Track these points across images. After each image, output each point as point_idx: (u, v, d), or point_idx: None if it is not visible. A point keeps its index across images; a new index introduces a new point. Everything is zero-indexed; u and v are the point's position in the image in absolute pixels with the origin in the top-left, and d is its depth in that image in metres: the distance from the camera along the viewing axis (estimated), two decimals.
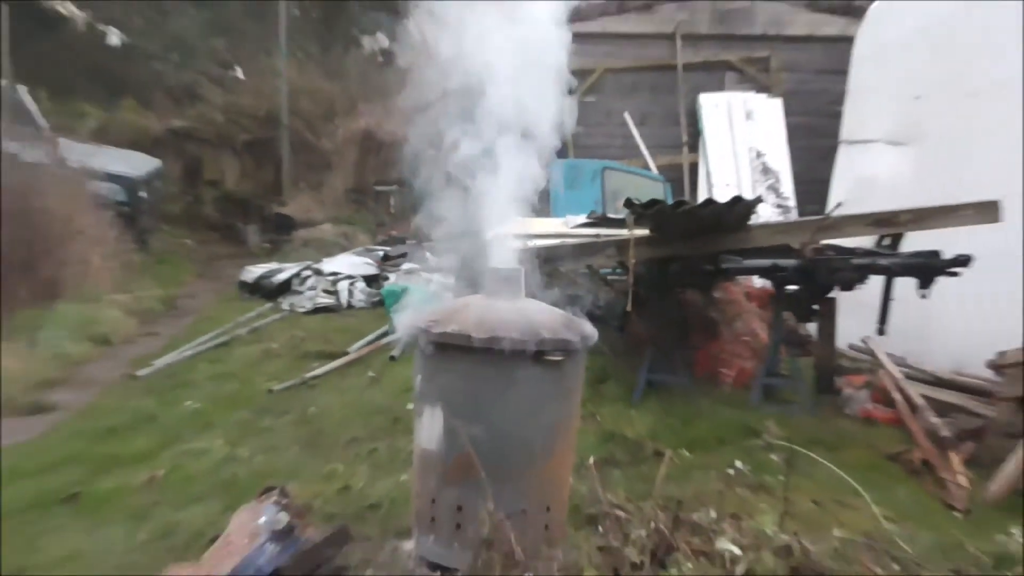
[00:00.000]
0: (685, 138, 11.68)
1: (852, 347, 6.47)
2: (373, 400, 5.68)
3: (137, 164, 11.12)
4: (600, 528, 2.67)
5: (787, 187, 10.97)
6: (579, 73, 11.72)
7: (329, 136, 13.95)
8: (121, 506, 3.96)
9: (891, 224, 5.76)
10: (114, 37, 12.23)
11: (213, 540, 3.23)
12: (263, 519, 3.14)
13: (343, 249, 11.07)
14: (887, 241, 5.86)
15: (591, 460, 3.66)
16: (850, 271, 5.52)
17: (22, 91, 10.34)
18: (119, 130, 12.99)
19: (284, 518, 3.14)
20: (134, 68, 14.18)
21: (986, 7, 6.31)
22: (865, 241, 6.01)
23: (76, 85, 13.60)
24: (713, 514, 2.30)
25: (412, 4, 3.94)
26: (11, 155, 7.79)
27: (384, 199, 13.51)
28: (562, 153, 11.21)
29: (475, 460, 2.92)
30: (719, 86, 11.76)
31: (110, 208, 9.07)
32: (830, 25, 11.90)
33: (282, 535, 3.11)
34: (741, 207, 5.72)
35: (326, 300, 8.99)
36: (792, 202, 10.82)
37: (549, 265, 5.65)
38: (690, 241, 5.73)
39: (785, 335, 6.07)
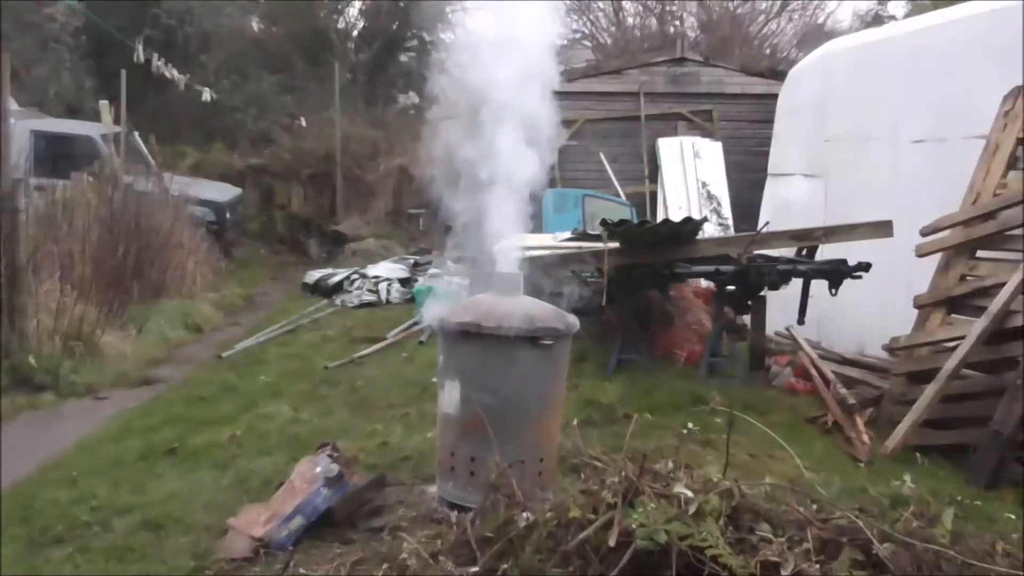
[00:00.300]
0: (647, 172, 11.66)
1: (778, 334, 6.43)
2: (406, 375, 5.66)
3: (224, 192, 11.11)
4: (582, 475, 2.63)
5: (726, 210, 10.93)
6: (565, 122, 11.69)
7: (373, 171, 13.95)
8: (209, 458, 3.93)
9: (807, 238, 5.76)
10: (207, 95, 12.24)
11: (280, 485, 3.19)
12: (319, 468, 3.10)
13: (383, 258, 11.05)
14: (804, 252, 5.84)
15: (574, 421, 3.62)
16: (776, 275, 5.49)
17: (136, 137, 10.34)
18: (210, 166, 13.03)
19: (335, 468, 3.10)
20: (222, 119, 14.25)
21: (872, 76, 6.33)
22: (787, 252, 5.97)
23: (178, 132, 13.63)
24: (670, 464, 2.25)
25: (436, 70, 3.92)
26: (128, 185, 7.78)
27: (415, 219, 13.50)
28: (551, 184, 11.19)
29: (484, 421, 2.89)
30: (673, 132, 11.74)
31: (203, 226, 9.08)
32: (759, 86, 11.91)
33: (334, 481, 3.07)
34: (691, 225, 5.72)
35: (370, 297, 8.95)
36: (730, 221, 10.77)
37: (542, 270, 5.62)
38: (651, 251, 5.71)
39: (725, 324, 6.03)
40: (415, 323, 7.22)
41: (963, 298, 4.59)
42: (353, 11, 17.71)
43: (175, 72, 11.39)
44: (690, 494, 2.01)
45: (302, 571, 2.66)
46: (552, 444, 3.25)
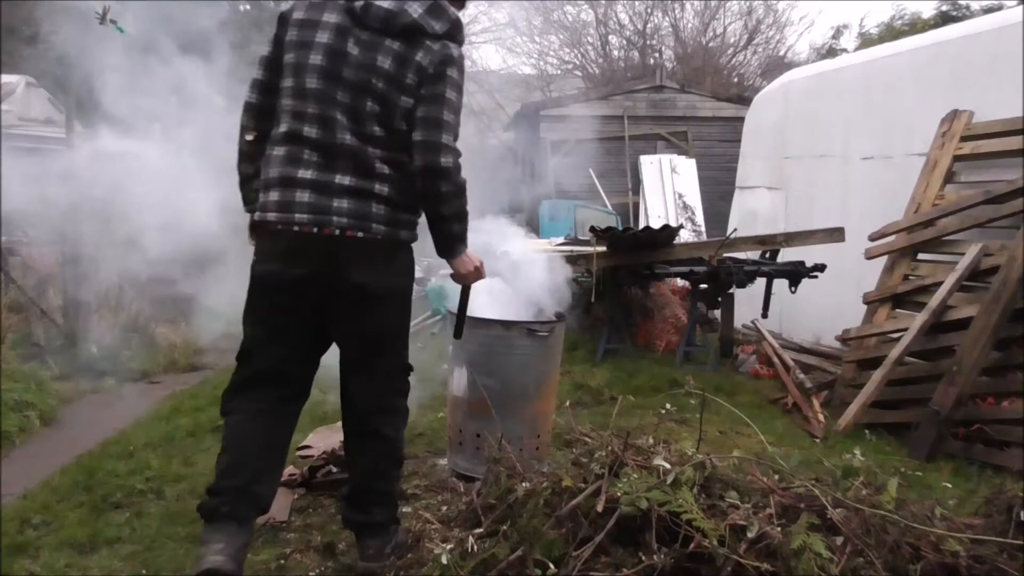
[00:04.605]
0: (630, 185, 11.66)
1: (744, 326, 6.43)
2: (420, 361, 5.61)
3: None
4: (573, 449, 2.63)
5: (700, 218, 10.92)
6: (559, 143, 11.69)
7: None
8: None
9: (770, 243, 5.74)
10: None
11: (300, 448, 3.17)
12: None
13: None
14: (768, 254, 5.83)
15: (567, 402, 3.62)
16: (743, 275, 5.49)
17: (185, 154, 10.29)
18: None
19: None
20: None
21: (826, 101, 6.31)
22: (753, 254, 5.97)
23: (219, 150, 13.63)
24: (651, 440, 2.24)
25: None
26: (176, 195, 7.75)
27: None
28: (547, 196, 11.19)
29: (488, 402, 2.89)
30: (654, 150, 11.73)
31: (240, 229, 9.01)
32: (728, 110, 11.90)
33: None
34: (668, 231, 5.71)
35: None
36: (703, 228, 10.77)
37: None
38: (633, 254, 5.70)
39: (699, 318, 6.03)
40: (429, 317, 7.21)
41: (906, 295, 4.59)
42: None
43: (219, 98, 11.37)
44: (668, 466, 2.00)
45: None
46: (547, 422, 3.25)
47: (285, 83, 2.10)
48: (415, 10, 2.06)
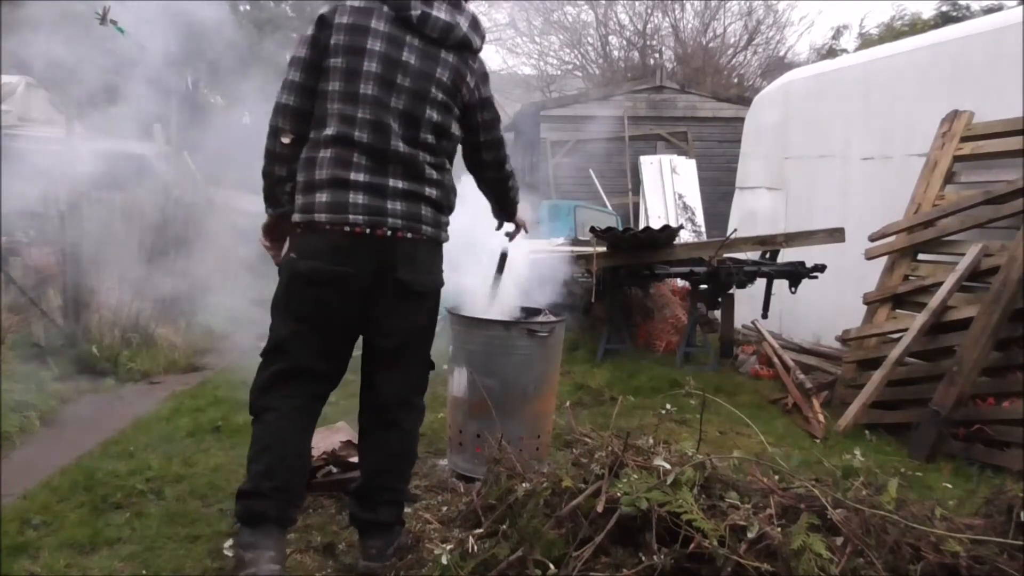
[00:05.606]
0: (630, 186, 11.65)
1: (744, 326, 6.43)
2: None
3: (257, 202, 11.06)
4: (573, 450, 2.62)
5: (700, 218, 10.92)
6: (559, 143, 11.70)
7: None
8: (249, 435, 3.88)
9: (770, 243, 5.75)
10: (247, 118, 12.23)
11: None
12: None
13: None
14: (768, 255, 5.83)
15: (567, 403, 3.62)
16: (743, 275, 5.49)
17: (186, 155, 10.31)
18: (249, 182, 12.98)
19: None
20: (261, 138, 14.26)
21: (826, 101, 6.31)
22: (753, 255, 5.97)
23: (222, 150, 13.60)
24: (651, 440, 2.24)
25: None
26: (177, 198, 7.77)
27: None
28: (547, 196, 11.18)
29: (488, 402, 2.89)
30: (654, 151, 11.73)
31: (240, 230, 9.02)
32: (728, 110, 11.90)
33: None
34: (668, 232, 5.71)
35: None
36: (703, 229, 10.77)
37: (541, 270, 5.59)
38: (634, 254, 5.70)
39: (699, 318, 6.03)
40: None
41: (906, 295, 4.59)
42: None
43: (219, 98, 11.37)
44: (668, 466, 2.00)
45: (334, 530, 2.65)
46: (548, 422, 3.25)
47: (331, 87, 2.11)
48: (463, 24, 2.19)
